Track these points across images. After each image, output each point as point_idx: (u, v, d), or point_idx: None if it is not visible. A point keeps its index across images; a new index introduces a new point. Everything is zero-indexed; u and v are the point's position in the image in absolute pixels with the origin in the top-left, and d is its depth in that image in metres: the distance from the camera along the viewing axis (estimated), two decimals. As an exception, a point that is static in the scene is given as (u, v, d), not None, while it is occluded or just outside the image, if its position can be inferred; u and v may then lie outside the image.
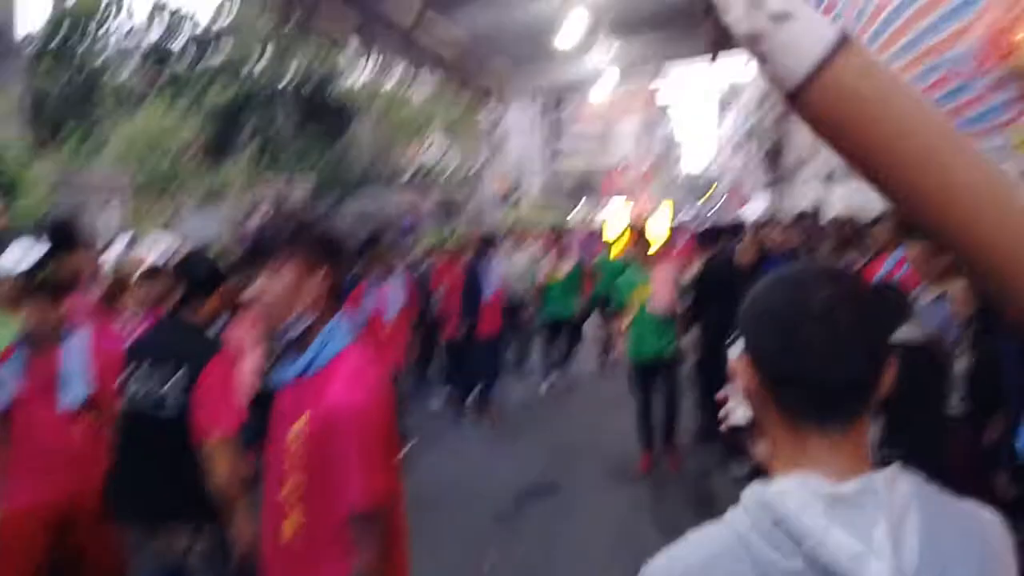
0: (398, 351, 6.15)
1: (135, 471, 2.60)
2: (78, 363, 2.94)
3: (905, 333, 3.03)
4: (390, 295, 6.15)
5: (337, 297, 1.89)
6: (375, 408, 1.71)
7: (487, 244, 8.25)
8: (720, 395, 1.11)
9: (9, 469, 2.87)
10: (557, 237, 8.98)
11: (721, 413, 1.10)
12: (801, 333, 0.91)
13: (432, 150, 21.45)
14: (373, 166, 20.20)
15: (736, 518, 0.92)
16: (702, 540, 0.93)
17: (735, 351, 1.03)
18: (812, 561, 0.84)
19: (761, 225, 6.63)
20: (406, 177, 20.06)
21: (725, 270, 6.01)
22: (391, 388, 1.82)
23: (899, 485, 0.90)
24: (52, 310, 2.93)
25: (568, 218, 20.85)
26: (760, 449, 1.05)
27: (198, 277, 2.80)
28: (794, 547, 0.85)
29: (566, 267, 8.59)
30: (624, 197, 17.17)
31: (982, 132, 4.17)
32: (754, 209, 18.16)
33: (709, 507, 5.01)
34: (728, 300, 5.73)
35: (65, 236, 3.62)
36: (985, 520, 0.96)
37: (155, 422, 2.54)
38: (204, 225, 11.11)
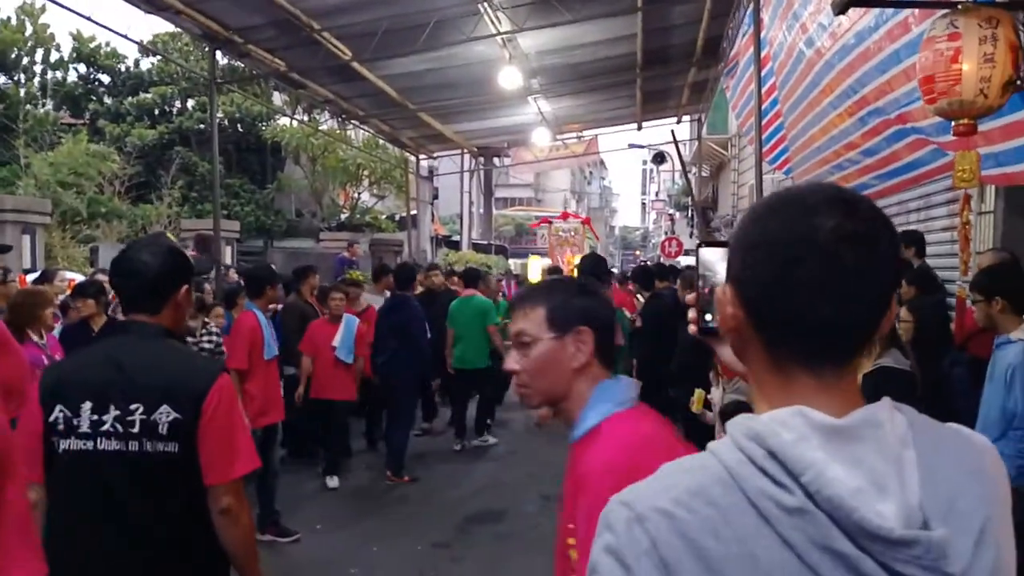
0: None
1: (100, 541, 1.97)
2: None
3: (890, 360, 3.17)
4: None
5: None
6: None
7: (404, 281, 7.25)
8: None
9: None
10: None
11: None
12: (803, 268, 0.80)
13: (366, 195, 21.38)
14: (305, 208, 20.01)
15: (722, 449, 0.81)
16: (685, 470, 0.83)
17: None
18: (811, 495, 0.74)
19: (681, 267, 6.95)
20: (340, 220, 19.90)
21: (668, 307, 6.38)
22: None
23: (896, 417, 0.82)
24: None
25: (508, 263, 20.95)
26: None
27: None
28: (791, 481, 0.75)
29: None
30: (557, 245, 16.56)
31: (913, 180, 4.34)
32: (688, 260, 18.62)
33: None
34: (667, 338, 5.88)
35: None
36: (981, 447, 0.87)
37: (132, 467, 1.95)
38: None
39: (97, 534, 1.94)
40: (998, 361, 3.20)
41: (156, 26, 26.58)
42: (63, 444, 1.94)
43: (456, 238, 26.21)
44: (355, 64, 10.15)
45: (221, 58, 11.03)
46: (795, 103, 7.04)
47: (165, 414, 1.93)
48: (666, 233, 29.19)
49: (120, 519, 1.94)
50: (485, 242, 24.70)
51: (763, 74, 7.36)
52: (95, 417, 1.93)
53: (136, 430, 1.92)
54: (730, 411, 4.21)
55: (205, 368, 2.10)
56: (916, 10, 3.80)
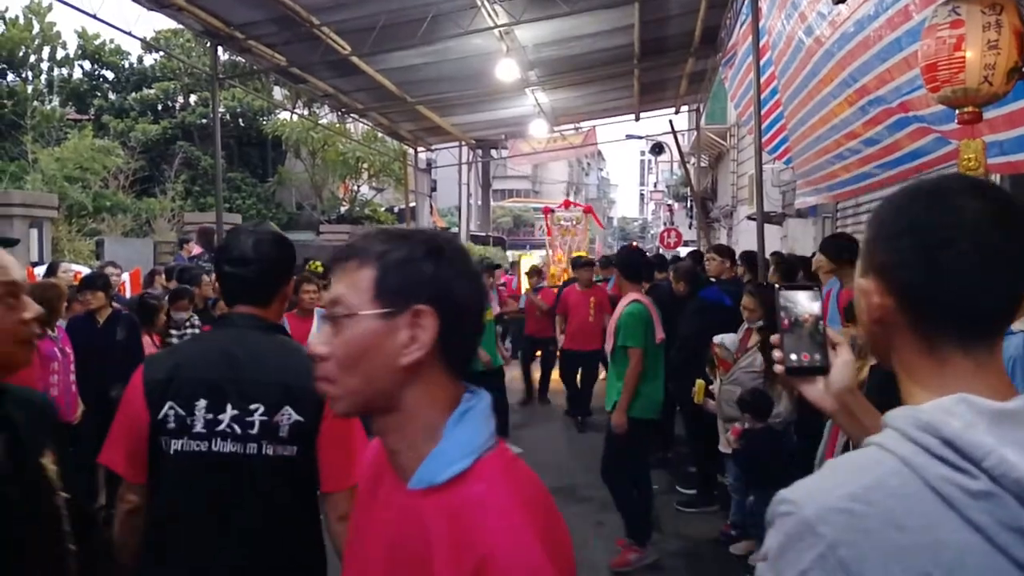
0: None
1: (211, 547, 1.81)
2: None
3: None
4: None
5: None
6: None
7: None
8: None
9: None
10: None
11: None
12: (952, 250, 0.83)
13: (365, 188, 21.38)
14: (306, 201, 20.03)
15: (892, 443, 0.82)
16: (858, 466, 0.83)
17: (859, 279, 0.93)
18: (996, 479, 0.75)
19: (681, 257, 6.84)
20: (340, 212, 19.92)
21: (666, 299, 6.28)
22: None
23: None
24: None
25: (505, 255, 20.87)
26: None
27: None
28: (972, 466, 0.76)
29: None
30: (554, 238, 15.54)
31: (916, 169, 4.38)
32: (688, 251, 18.51)
33: (655, 528, 5.05)
34: (666, 330, 5.82)
35: None
36: None
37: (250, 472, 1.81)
38: (131, 255, 10.81)
39: (208, 539, 1.79)
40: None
41: (159, 23, 26.54)
42: (175, 444, 1.78)
43: (455, 230, 26.21)
44: (354, 58, 10.14)
45: (222, 54, 11.04)
46: (794, 92, 7.04)
47: (287, 416, 1.79)
48: (665, 224, 29.13)
49: (232, 524, 1.79)
50: (483, 234, 24.69)
51: (762, 63, 7.36)
52: (210, 416, 1.78)
53: (255, 431, 1.78)
54: (749, 400, 4.23)
55: None
56: (917, -2, 3.81)
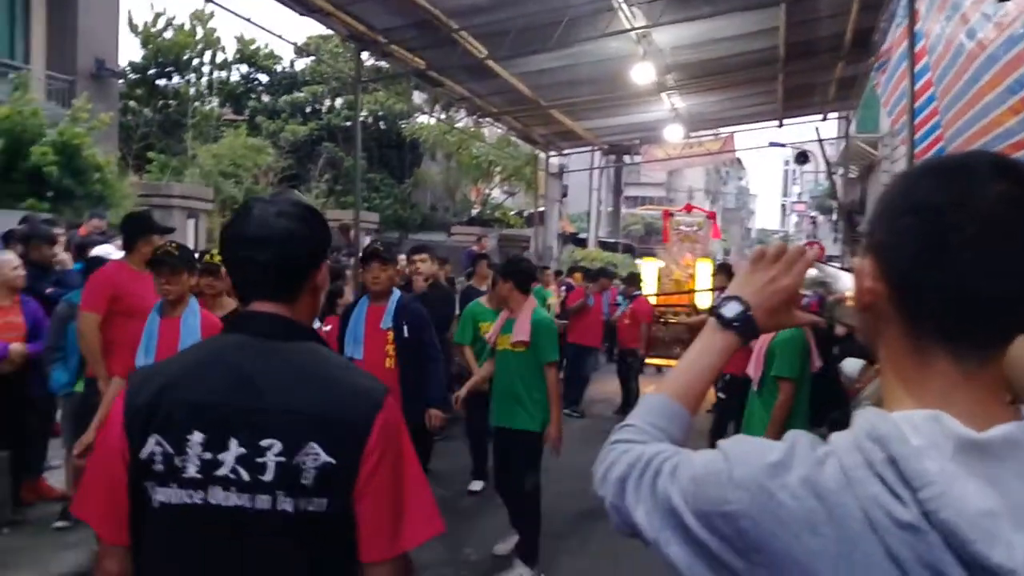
0: None
1: None
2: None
3: None
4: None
5: None
6: None
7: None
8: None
9: None
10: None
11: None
12: (960, 235, 0.72)
13: (497, 192, 21.79)
14: (439, 203, 20.65)
15: (843, 445, 0.75)
16: (806, 458, 0.76)
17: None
18: (928, 514, 0.67)
19: None
20: (471, 215, 20.40)
21: None
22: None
23: None
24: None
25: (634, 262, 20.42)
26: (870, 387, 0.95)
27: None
28: (908, 493, 0.69)
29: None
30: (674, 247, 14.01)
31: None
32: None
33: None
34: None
35: (141, 224, 4.28)
36: None
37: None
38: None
39: None
40: None
41: (309, 29, 28.25)
42: (159, 495, 1.27)
43: (584, 235, 26.17)
44: (489, 62, 10.33)
45: (366, 59, 11.53)
46: (953, 100, 6.55)
47: (313, 456, 1.26)
48: (807, 237, 27.85)
49: None
50: (612, 240, 24.50)
51: (918, 69, 6.91)
52: (208, 456, 1.27)
53: (268, 478, 1.26)
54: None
55: (369, 388, 1.36)
56: (1097, -5, 3.43)
